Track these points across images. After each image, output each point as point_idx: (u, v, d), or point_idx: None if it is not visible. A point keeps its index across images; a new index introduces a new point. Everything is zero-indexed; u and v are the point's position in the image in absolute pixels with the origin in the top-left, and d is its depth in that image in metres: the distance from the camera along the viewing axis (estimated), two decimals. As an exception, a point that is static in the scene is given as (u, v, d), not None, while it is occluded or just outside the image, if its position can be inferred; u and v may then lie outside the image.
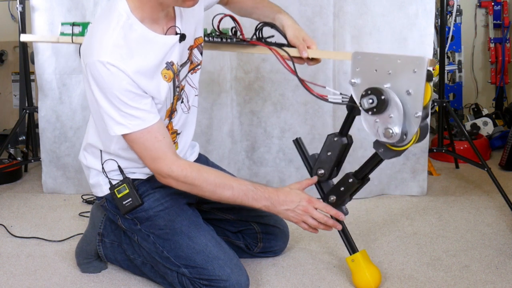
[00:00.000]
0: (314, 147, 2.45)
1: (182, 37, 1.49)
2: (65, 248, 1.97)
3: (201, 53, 1.64)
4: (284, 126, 2.47)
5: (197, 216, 1.66)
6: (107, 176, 1.59)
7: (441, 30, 2.64)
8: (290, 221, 1.56)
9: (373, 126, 1.39)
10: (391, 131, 1.34)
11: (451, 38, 3.30)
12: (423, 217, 2.20)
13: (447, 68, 3.30)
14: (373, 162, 1.50)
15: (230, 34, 1.64)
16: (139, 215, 1.58)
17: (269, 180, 2.53)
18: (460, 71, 3.52)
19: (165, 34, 1.47)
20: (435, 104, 2.74)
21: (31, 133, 2.90)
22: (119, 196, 1.56)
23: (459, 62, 3.51)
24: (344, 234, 1.64)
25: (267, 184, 2.53)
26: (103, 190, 1.62)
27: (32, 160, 2.86)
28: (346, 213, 1.62)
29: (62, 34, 1.89)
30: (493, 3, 3.65)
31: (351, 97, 1.45)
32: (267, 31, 1.67)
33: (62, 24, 1.89)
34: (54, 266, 1.84)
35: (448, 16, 3.28)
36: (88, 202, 2.48)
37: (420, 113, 1.32)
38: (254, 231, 1.79)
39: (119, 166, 1.59)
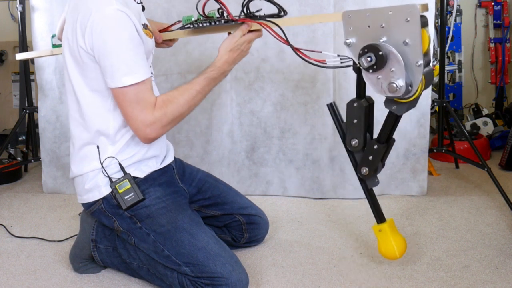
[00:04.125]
0: (314, 147, 2.46)
1: (143, 8, 1.66)
2: (65, 248, 1.97)
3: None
4: (284, 126, 2.47)
5: (196, 215, 1.68)
6: (106, 174, 1.59)
7: (441, 30, 2.64)
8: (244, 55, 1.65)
9: (377, 84, 1.36)
10: (395, 85, 1.32)
11: (451, 38, 3.30)
12: (423, 217, 2.20)
13: (447, 68, 3.30)
14: (390, 121, 1.46)
15: (217, 15, 1.62)
16: (140, 211, 1.58)
17: (269, 181, 2.53)
18: (460, 71, 3.52)
19: None
20: (435, 104, 2.74)
21: (31, 133, 2.90)
22: (120, 191, 1.57)
23: (459, 62, 3.51)
24: (374, 203, 1.60)
25: (267, 184, 2.53)
26: (101, 191, 1.61)
27: (32, 160, 2.86)
28: (377, 184, 1.59)
29: (54, 46, 1.88)
30: (493, 3, 3.65)
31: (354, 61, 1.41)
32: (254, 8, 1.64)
33: (53, 36, 1.88)
34: (54, 266, 1.84)
35: (448, 16, 3.28)
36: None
37: (421, 61, 1.29)
38: (240, 223, 1.87)
39: (120, 164, 1.59)
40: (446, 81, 3.33)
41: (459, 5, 3.36)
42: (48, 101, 2.59)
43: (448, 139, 2.88)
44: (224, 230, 1.89)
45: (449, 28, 3.28)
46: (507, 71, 3.63)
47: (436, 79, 2.82)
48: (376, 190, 2.42)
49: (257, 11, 1.61)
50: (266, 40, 1.62)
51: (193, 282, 1.52)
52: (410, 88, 1.33)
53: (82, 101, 1.58)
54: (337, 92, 2.36)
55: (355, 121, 1.50)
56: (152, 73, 1.69)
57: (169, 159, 1.75)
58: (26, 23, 2.69)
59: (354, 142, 1.52)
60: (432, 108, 2.90)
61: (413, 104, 1.40)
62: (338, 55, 1.46)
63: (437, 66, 2.71)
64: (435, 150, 2.78)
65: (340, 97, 2.36)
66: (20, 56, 2.18)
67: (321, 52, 1.51)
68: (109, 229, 1.71)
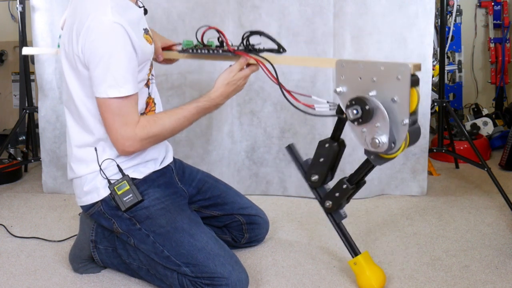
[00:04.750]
0: (314, 147, 2.44)
1: (145, 11, 1.64)
2: (65, 248, 1.97)
3: None
4: (284, 126, 2.47)
5: (196, 215, 1.68)
6: (105, 176, 1.58)
7: (441, 30, 2.64)
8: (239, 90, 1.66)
9: (361, 136, 1.37)
10: (378, 141, 1.33)
11: (451, 38, 3.30)
12: (423, 217, 2.20)
13: (447, 68, 3.30)
14: (366, 167, 1.50)
15: (217, 44, 1.64)
16: (139, 213, 1.58)
17: (269, 181, 2.53)
18: (460, 71, 3.53)
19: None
20: (435, 104, 2.74)
21: (31, 133, 2.90)
22: (119, 193, 1.57)
23: (459, 62, 3.51)
24: (345, 237, 1.63)
25: (267, 184, 2.53)
26: (100, 193, 1.60)
27: (32, 160, 2.86)
28: (344, 217, 1.63)
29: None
30: (493, 3, 3.65)
31: (339, 105, 1.44)
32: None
33: (61, 36, 1.88)
34: (54, 266, 1.84)
35: (448, 16, 3.28)
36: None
37: (407, 120, 1.30)
38: (240, 223, 1.86)
39: (118, 165, 1.59)
40: (446, 81, 3.33)
41: (459, 5, 3.36)
42: (48, 101, 2.59)
43: (448, 139, 2.88)
44: (224, 230, 1.89)
45: (449, 28, 3.28)
46: (507, 71, 3.63)
47: (436, 79, 2.82)
48: (376, 190, 2.46)
49: (257, 44, 1.63)
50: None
51: (193, 282, 1.52)
52: (393, 145, 1.34)
53: (79, 105, 1.57)
54: (337, 92, 2.36)
55: (321, 159, 1.57)
56: (152, 74, 1.69)
57: (168, 160, 1.75)
58: (26, 23, 2.69)
59: (314, 178, 1.60)
60: (432, 108, 2.91)
61: (390, 160, 1.42)
62: (327, 102, 1.49)
63: (437, 66, 2.71)
64: (435, 150, 2.78)
65: (340, 97, 2.36)
66: (26, 50, 2.19)
67: (311, 96, 1.55)
68: (109, 230, 1.71)
